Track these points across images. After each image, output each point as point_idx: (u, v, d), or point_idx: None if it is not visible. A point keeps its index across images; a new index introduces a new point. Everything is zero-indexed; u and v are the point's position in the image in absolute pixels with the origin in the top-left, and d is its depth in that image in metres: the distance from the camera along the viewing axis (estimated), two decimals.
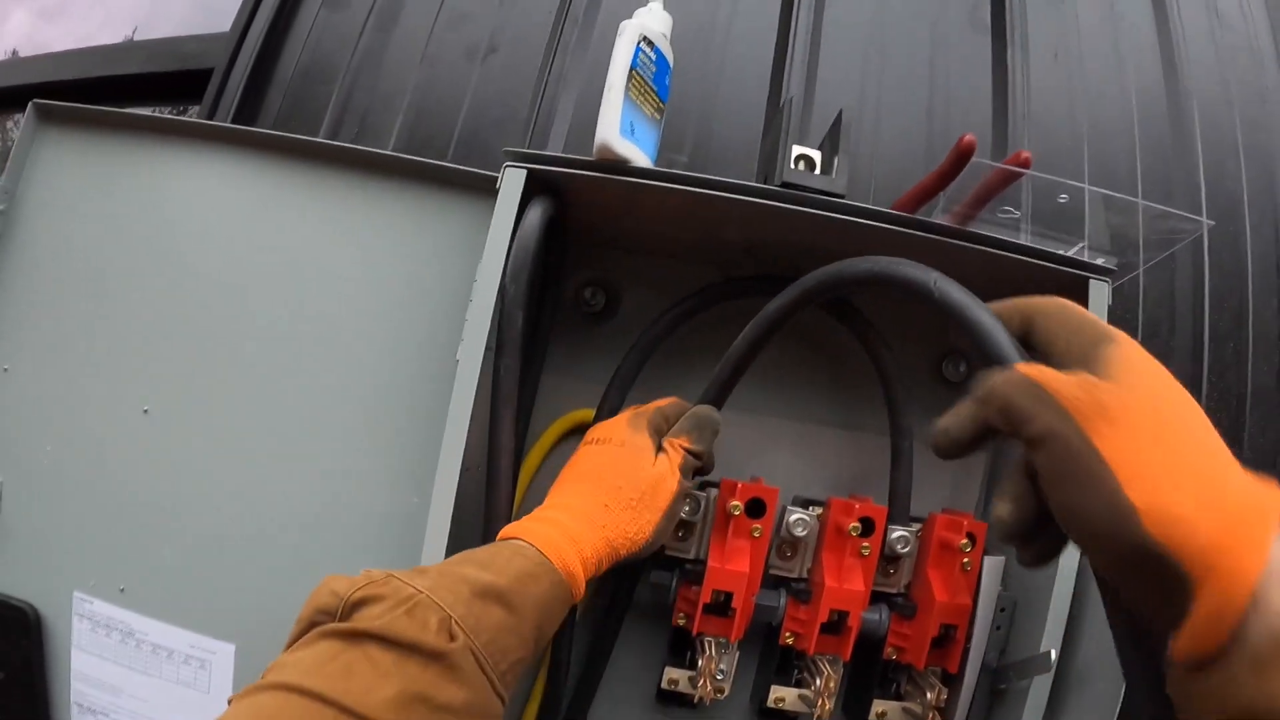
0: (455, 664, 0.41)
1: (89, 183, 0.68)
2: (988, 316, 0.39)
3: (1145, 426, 0.31)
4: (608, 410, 0.66)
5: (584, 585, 0.51)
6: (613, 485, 0.54)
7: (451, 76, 0.84)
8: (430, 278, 0.66)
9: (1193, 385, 0.80)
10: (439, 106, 0.83)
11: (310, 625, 0.43)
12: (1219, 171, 0.84)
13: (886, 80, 0.82)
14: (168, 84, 0.88)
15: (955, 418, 0.37)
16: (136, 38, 0.95)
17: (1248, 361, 0.80)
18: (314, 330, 0.66)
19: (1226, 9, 0.87)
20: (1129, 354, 0.34)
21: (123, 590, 0.65)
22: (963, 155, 0.53)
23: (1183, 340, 0.80)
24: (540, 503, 0.56)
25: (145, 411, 0.66)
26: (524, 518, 0.54)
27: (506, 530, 0.53)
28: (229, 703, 0.38)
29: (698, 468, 0.58)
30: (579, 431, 0.70)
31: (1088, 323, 0.36)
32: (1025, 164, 0.54)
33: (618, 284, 0.71)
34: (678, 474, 0.56)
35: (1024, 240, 0.60)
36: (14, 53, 1.03)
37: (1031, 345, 0.38)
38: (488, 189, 0.64)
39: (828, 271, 0.53)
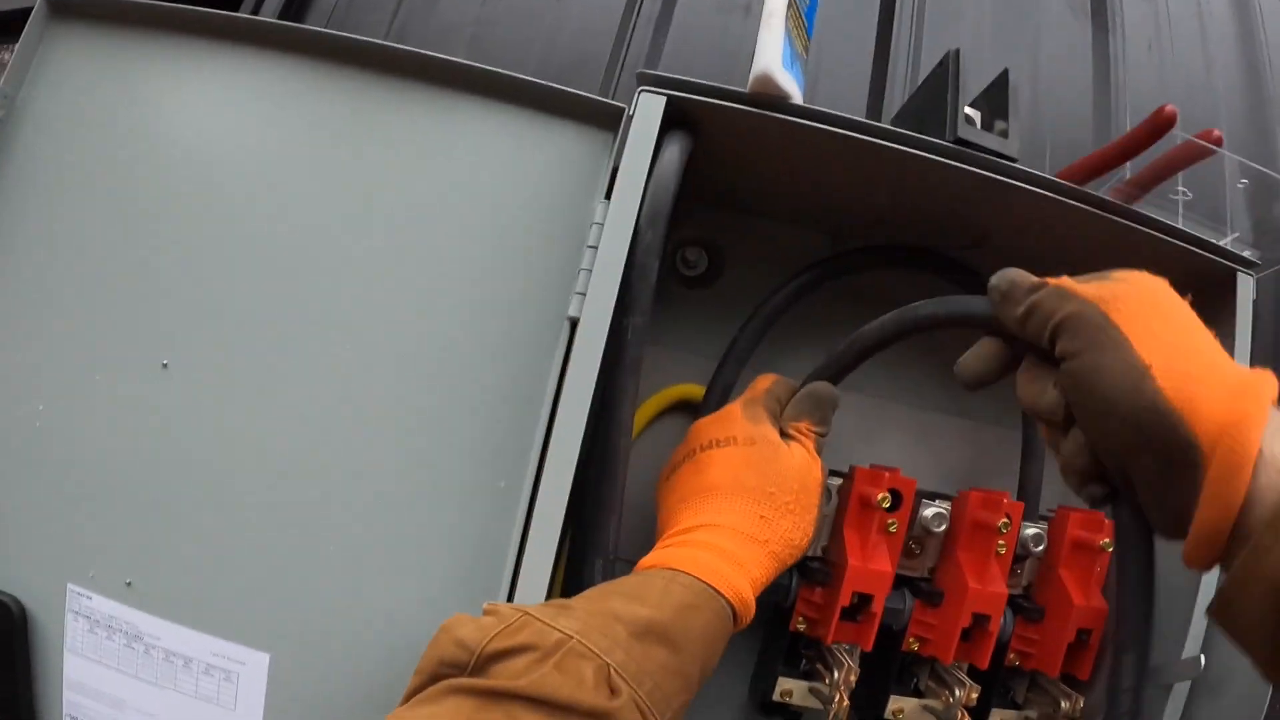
0: None
1: (106, 91, 0.54)
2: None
3: (1151, 310, 0.36)
4: (720, 389, 0.59)
5: (753, 610, 0.45)
6: (763, 492, 0.47)
7: (522, 12, 0.74)
8: (523, 221, 0.56)
9: None
10: (506, 45, 0.73)
11: (433, 679, 0.36)
12: None
13: (988, 57, 0.77)
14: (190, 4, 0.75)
15: (981, 346, 0.43)
16: None
17: None
18: (376, 274, 0.55)
19: None
20: (1129, 270, 0.39)
21: (129, 584, 0.52)
22: (1162, 126, 0.49)
23: (1263, 342, 0.80)
24: (636, 486, 0.50)
25: (164, 366, 0.53)
26: (663, 544, 0.46)
27: (647, 561, 0.45)
28: None
29: None
30: (681, 409, 0.62)
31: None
32: (1217, 142, 0.50)
33: (723, 246, 0.64)
34: (818, 460, 0.50)
35: (1179, 224, 0.56)
36: None
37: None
38: (602, 120, 0.55)
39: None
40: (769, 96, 0.50)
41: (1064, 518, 0.59)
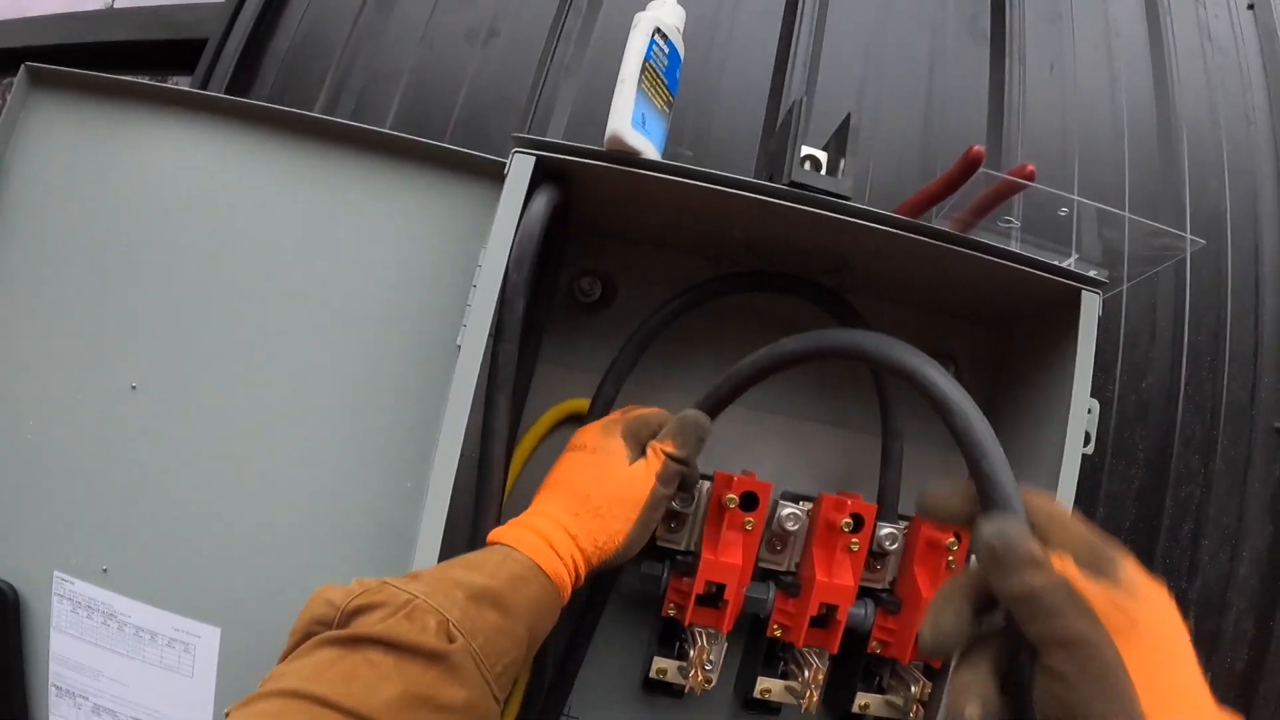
0: (456, 664, 0.42)
1: (80, 152, 0.66)
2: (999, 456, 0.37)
3: (1161, 649, 0.33)
4: (602, 402, 0.67)
5: (570, 590, 0.52)
6: (581, 493, 0.54)
7: (451, 58, 0.83)
8: (427, 262, 0.66)
9: (1169, 397, 0.82)
10: (437, 88, 0.82)
11: (306, 636, 0.43)
12: (1203, 190, 0.86)
13: (886, 84, 0.82)
14: (158, 54, 0.85)
15: (944, 604, 0.37)
16: (124, 4, 0.92)
17: (1223, 376, 0.82)
18: (308, 310, 0.65)
19: (1219, 31, 0.90)
20: (1139, 574, 0.35)
21: (105, 571, 0.63)
22: (970, 165, 0.54)
23: (1162, 352, 0.82)
24: (532, 489, 0.57)
25: (133, 388, 0.64)
26: (509, 522, 0.54)
27: (493, 535, 0.53)
28: (226, 716, 0.38)
29: (683, 474, 0.56)
30: (572, 420, 0.70)
31: (1086, 527, 0.37)
32: (1030, 176, 0.55)
33: (614, 275, 0.71)
34: (652, 480, 0.55)
35: (1017, 249, 0.61)
36: None
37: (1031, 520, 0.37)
38: (492, 173, 0.64)
39: (865, 341, 0.49)
40: (620, 154, 0.57)
41: (919, 520, 0.65)
